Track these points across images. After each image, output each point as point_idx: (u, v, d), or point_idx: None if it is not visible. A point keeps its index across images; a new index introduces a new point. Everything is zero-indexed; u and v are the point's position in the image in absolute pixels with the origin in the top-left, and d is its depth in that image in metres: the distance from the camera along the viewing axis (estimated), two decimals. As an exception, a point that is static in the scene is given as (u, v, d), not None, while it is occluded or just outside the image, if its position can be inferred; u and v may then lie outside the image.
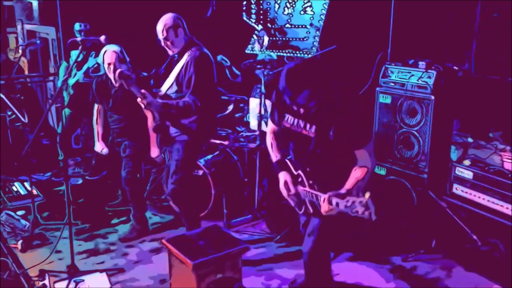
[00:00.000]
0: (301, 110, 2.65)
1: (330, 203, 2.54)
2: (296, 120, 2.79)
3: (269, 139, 3.12)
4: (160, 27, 3.78)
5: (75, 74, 5.43)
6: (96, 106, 4.62)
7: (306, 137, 2.75)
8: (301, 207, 2.97)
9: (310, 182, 2.79)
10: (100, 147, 4.61)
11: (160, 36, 3.78)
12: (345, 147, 2.70)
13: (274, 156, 3.05)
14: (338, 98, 2.67)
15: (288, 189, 2.91)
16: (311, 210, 2.85)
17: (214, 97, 4.03)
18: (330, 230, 2.99)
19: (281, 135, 3.06)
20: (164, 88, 3.87)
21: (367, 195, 2.33)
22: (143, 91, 3.59)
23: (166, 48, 3.83)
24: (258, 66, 4.81)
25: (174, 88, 3.82)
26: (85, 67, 5.40)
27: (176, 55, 3.85)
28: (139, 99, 3.56)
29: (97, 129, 4.61)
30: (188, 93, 3.68)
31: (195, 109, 3.67)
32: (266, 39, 5.78)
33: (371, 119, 4.49)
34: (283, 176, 2.92)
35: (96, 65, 5.40)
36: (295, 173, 2.91)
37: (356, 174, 2.71)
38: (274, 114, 2.98)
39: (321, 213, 2.67)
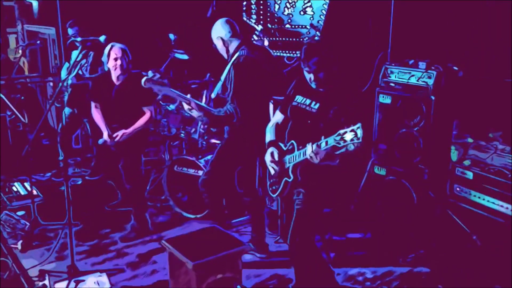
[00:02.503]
0: (312, 77, 2.99)
1: (318, 146, 2.82)
2: (304, 99, 3.15)
3: (270, 126, 3.40)
4: (215, 35, 3.86)
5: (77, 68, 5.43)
6: (93, 104, 4.60)
7: (308, 113, 3.08)
8: (278, 184, 3.18)
9: (300, 147, 3.02)
10: (109, 135, 4.44)
11: (215, 43, 3.86)
12: (340, 128, 2.87)
13: (269, 137, 3.34)
14: (344, 88, 3.05)
15: (272, 157, 3.20)
16: (292, 177, 3.08)
17: (260, 102, 3.91)
18: (315, 216, 3.19)
19: (281, 127, 3.34)
20: (216, 90, 3.91)
21: (359, 124, 2.61)
22: (188, 96, 3.63)
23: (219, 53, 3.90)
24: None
25: (221, 91, 3.85)
26: (75, 71, 5.39)
27: (227, 59, 3.87)
28: (185, 104, 3.63)
29: (100, 123, 4.56)
30: (229, 101, 3.69)
31: (237, 118, 3.66)
32: (266, 42, 5.80)
33: (371, 116, 4.49)
34: (271, 149, 3.24)
35: (87, 65, 5.40)
36: (285, 148, 3.17)
37: None
38: (284, 103, 3.31)
39: (299, 182, 3.05)
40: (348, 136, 2.62)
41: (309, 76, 3.02)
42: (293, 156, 3.06)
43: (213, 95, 3.96)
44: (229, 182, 4.24)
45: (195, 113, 3.66)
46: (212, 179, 3.96)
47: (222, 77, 3.84)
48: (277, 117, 3.39)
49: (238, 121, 3.69)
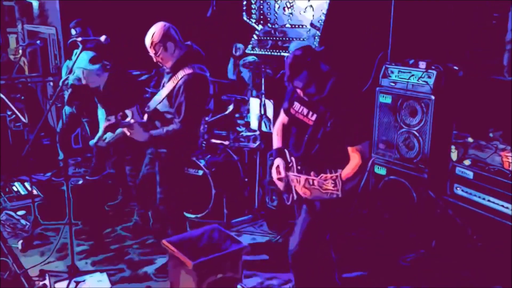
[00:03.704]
0: (301, 93, 2.78)
1: (307, 182, 2.66)
2: (301, 108, 2.95)
3: (276, 128, 3.27)
4: (148, 42, 3.54)
5: (74, 73, 5.44)
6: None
7: (306, 124, 2.91)
8: (288, 195, 3.05)
9: (299, 167, 2.91)
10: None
11: (149, 51, 3.56)
12: (339, 142, 2.80)
13: (276, 143, 3.20)
14: (340, 91, 2.79)
15: (278, 173, 3.02)
16: (295, 197, 2.95)
17: (201, 116, 3.87)
18: (321, 227, 3.06)
19: (288, 127, 3.19)
20: (153, 104, 3.68)
21: (339, 172, 2.51)
22: (132, 120, 3.45)
23: (158, 63, 3.63)
24: (251, 67, 4.82)
25: (165, 104, 3.61)
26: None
27: (168, 70, 3.63)
28: (125, 129, 3.39)
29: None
30: (177, 120, 3.49)
31: (182, 136, 3.52)
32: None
33: (372, 121, 4.48)
34: (277, 161, 3.05)
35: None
36: (289, 160, 3.02)
37: (345, 171, 2.74)
38: (285, 104, 3.14)
39: (304, 200, 2.88)
40: (329, 185, 2.53)
41: (298, 91, 2.82)
42: (296, 177, 2.88)
43: (149, 109, 3.67)
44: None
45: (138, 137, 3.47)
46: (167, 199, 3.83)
47: (165, 90, 3.60)
48: (281, 117, 3.28)
49: (183, 137, 3.53)
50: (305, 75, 2.68)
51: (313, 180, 2.61)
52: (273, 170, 3.06)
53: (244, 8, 6.31)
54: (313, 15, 5.52)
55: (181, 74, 3.52)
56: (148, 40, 3.55)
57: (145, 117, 3.67)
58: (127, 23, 6.08)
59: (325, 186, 2.53)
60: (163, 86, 3.68)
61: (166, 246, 3.26)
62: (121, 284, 3.78)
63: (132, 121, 3.44)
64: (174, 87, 3.53)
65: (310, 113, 2.90)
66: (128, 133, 3.40)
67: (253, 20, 6.23)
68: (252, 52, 6.05)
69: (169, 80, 3.60)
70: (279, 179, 3.02)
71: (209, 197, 4.68)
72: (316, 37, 5.47)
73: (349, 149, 2.81)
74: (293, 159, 2.97)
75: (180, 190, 3.86)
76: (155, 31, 3.53)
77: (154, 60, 3.60)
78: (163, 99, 3.62)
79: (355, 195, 4.43)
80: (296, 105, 3.00)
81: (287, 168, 3.00)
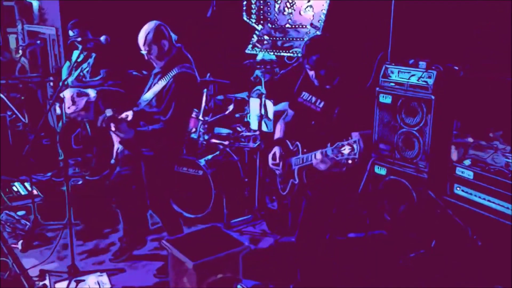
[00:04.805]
0: (314, 74, 2.96)
1: (320, 154, 2.78)
2: (310, 96, 3.15)
3: (280, 123, 3.38)
4: (141, 40, 3.52)
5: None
6: None
7: (313, 111, 3.09)
8: (285, 184, 3.13)
9: (305, 150, 3.01)
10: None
11: (142, 50, 3.55)
12: (344, 128, 2.89)
13: (277, 134, 3.32)
14: (349, 82, 3.04)
15: (274, 159, 3.17)
16: (297, 181, 3.04)
17: (189, 117, 3.91)
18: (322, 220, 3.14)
19: (292, 121, 3.31)
20: (142, 103, 3.67)
21: (357, 138, 2.62)
22: (121, 116, 3.45)
23: (151, 62, 3.63)
24: (258, 66, 4.82)
25: (152, 104, 3.61)
26: (76, 73, 5.39)
27: (159, 69, 3.62)
28: (112, 125, 3.36)
29: None
30: (163, 119, 3.48)
31: (167, 136, 3.52)
32: None
33: (371, 116, 4.49)
34: (275, 149, 3.20)
35: (88, 68, 5.39)
36: (291, 147, 3.14)
37: None
38: (292, 99, 3.31)
39: (305, 184, 3.00)
40: (346, 151, 2.60)
41: (311, 73, 3.01)
42: (299, 159, 3.02)
43: (137, 108, 3.66)
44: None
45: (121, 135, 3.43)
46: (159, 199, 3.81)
47: (154, 89, 3.60)
48: (287, 112, 3.37)
49: (169, 136, 3.53)
50: (317, 57, 2.90)
51: (326, 151, 2.72)
52: (270, 156, 3.19)
53: (244, 8, 6.32)
54: (313, 15, 5.52)
55: (172, 73, 3.51)
56: (141, 39, 3.53)
57: (130, 116, 3.62)
58: (127, 23, 6.08)
59: (342, 153, 2.61)
60: (151, 86, 3.68)
61: (166, 246, 3.26)
62: (121, 284, 3.79)
63: (122, 115, 3.44)
64: (165, 86, 3.52)
65: (318, 100, 3.08)
66: (113, 129, 3.36)
67: (253, 20, 6.24)
68: (251, 52, 6.05)
69: (159, 79, 3.59)
70: (275, 164, 3.15)
71: (209, 197, 4.68)
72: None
73: (353, 134, 2.90)
74: (298, 143, 3.06)
75: (170, 192, 3.85)
76: (149, 29, 3.52)
77: (146, 58, 3.60)
78: (152, 98, 3.61)
79: (354, 192, 4.46)
80: (305, 94, 3.19)
81: (291, 153, 3.08)
